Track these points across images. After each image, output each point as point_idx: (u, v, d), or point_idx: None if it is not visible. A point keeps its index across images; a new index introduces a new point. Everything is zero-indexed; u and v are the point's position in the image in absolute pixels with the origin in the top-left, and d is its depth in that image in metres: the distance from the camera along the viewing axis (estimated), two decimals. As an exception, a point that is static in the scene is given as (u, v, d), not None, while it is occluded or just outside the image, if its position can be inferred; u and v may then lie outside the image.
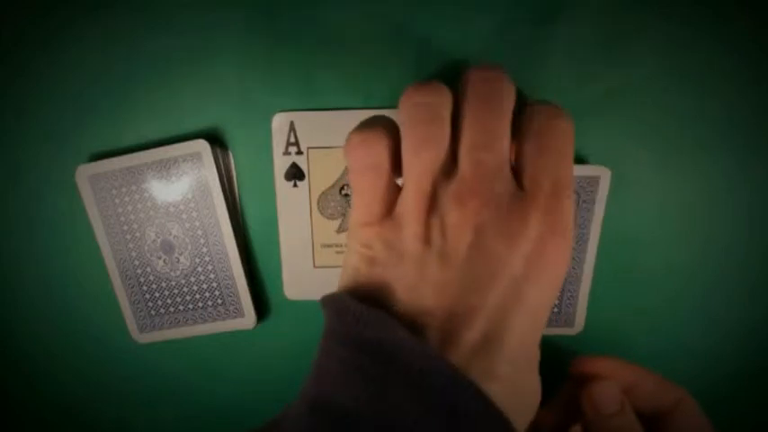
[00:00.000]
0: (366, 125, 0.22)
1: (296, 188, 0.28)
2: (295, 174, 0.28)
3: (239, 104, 0.28)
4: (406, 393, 0.17)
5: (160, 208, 0.28)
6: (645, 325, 0.30)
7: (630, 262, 0.29)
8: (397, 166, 0.21)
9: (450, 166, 0.20)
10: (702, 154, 0.27)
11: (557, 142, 0.20)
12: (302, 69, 0.27)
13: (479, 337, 0.19)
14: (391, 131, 0.21)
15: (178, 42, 0.27)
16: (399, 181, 0.22)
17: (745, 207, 0.28)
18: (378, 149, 0.21)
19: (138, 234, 0.29)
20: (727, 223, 0.28)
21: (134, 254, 0.29)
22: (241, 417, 0.33)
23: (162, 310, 0.30)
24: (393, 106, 0.26)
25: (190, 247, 0.29)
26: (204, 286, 0.29)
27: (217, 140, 0.28)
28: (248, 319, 0.30)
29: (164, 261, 0.29)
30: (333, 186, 0.28)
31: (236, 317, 0.30)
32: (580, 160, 0.27)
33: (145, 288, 0.30)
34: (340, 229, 0.29)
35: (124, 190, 0.28)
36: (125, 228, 0.29)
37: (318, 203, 0.28)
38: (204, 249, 0.29)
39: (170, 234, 0.29)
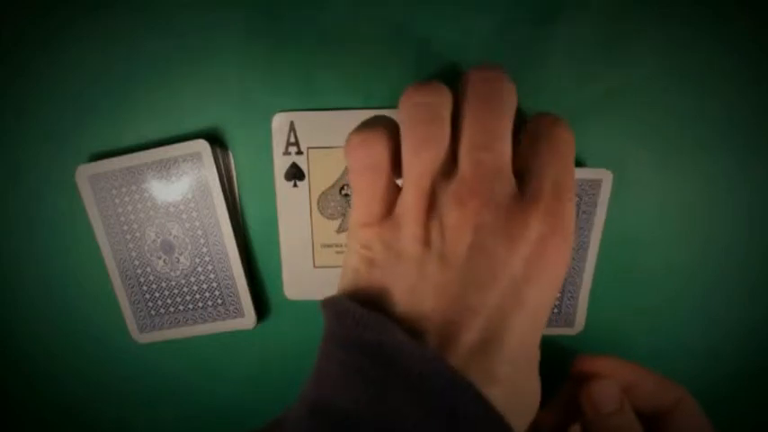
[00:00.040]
0: (366, 125, 0.22)
1: (296, 188, 0.28)
2: (295, 174, 0.28)
3: (239, 104, 0.28)
4: (406, 396, 0.17)
5: (160, 208, 0.28)
6: (645, 325, 0.30)
7: (630, 262, 0.29)
8: (397, 167, 0.21)
9: (450, 166, 0.20)
10: (702, 154, 0.27)
11: (559, 147, 0.20)
12: (302, 69, 0.27)
13: (479, 339, 0.19)
14: (392, 132, 0.21)
15: (178, 42, 0.27)
16: (400, 182, 0.22)
17: (745, 207, 0.28)
18: (377, 150, 0.21)
19: (138, 234, 0.29)
20: (727, 223, 0.28)
21: (134, 254, 0.29)
22: (241, 417, 0.33)
23: (162, 310, 0.30)
24: (393, 106, 0.26)
25: (190, 247, 0.29)
26: (204, 286, 0.29)
27: (217, 140, 0.28)
28: (248, 319, 0.30)
29: (164, 261, 0.29)
30: (333, 186, 0.28)
31: (236, 317, 0.30)
32: (580, 161, 0.27)
33: (145, 288, 0.30)
34: (340, 229, 0.29)
35: (124, 190, 0.28)
36: (125, 228, 0.29)
37: (318, 203, 0.28)
38: (204, 249, 0.29)
39: (170, 234, 0.29)
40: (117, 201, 0.28)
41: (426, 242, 0.20)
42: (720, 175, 0.27)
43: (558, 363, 0.27)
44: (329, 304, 0.20)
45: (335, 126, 0.27)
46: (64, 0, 0.27)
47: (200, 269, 0.29)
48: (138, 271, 0.29)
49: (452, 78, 0.23)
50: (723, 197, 0.28)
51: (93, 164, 0.28)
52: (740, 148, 0.27)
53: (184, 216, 0.28)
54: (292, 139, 0.27)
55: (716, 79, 0.26)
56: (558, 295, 0.29)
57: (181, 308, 0.30)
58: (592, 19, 0.25)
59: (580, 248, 0.28)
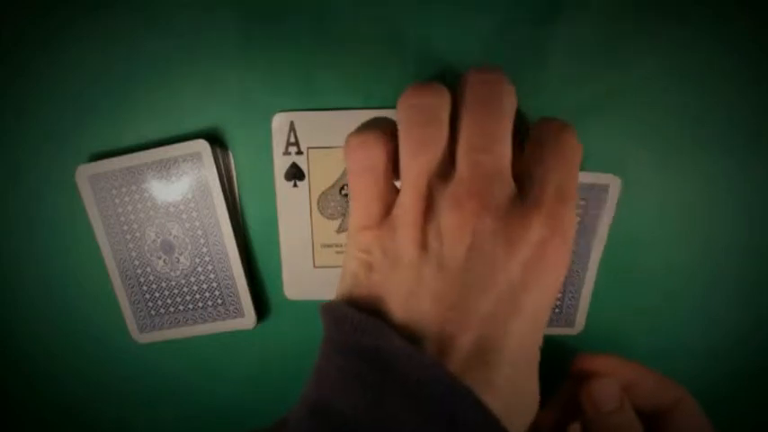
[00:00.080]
0: (365, 127, 0.21)
1: (296, 188, 0.28)
2: (295, 174, 0.28)
3: (239, 104, 0.28)
4: (404, 402, 0.17)
5: (160, 208, 0.28)
6: (645, 325, 0.30)
7: (631, 262, 0.29)
8: (396, 169, 0.21)
9: (448, 169, 0.20)
10: (702, 154, 0.27)
11: (566, 153, 0.20)
12: (302, 69, 0.27)
13: (477, 345, 0.18)
14: (391, 133, 0.21)
15: (178, 42, 0.27)
16: (399, 184, 0.22)
17: (746, 207, 0.28)
18: (376, 152, 0.21)
19: (138, 234, 0.29)
20: (727, 223, 0.28)
21: (134, 254, 0.29)
22: (241, 417, 0.33)
23: (162, 310, 0.30)
24: (393, 106, 0.25)
25: (190, 247, 0.29)
26: (204, 286, 0.29)
27: (217, 140, 0.28)
28: (248, 319, 0.30)
29: (164, 261, 0.29)
30: (333, 186, 0.28)
31: (236, 317, 0.30)
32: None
33: (145, 288, 0.30)
34: (340, 229, 0.29)
35: (124, 190, 0.28)
36: (125, 228, 0.29)
37: (318, 203, 0.28)
38: (204, 249, 0.29)
39: (170, 234, 0.29)
40: (117, 201, 0.28)
41: (424, 246, 0.19)
42: (720, 175, 0.27)
43: (558, 362, 0.27)
44: (328, 310, 0.20)
45: (335, 126, 0.27)
46: (64, 0, 0.27)
47: (200, 269, 0.29)
48: (138, 271, 0.29)
49: (452, 79, 0.23)
50: (723, 197, 0.28)
51: (93, 164, 0.28)
52: (740, 148, 0.27)
53: (184, 216, 0.28)
54: (292, 139, 0.27)
55: (716, 79, 0.26)
56: (560, 295, 0.29)
57: (181, 308, 0.30)
58: (592, 19, 0.25)
59: (584, 251, 0.28)
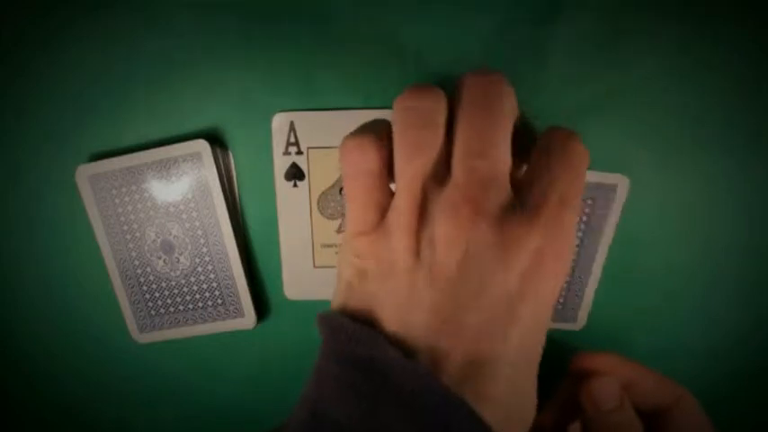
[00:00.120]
0: (360, 130, 0.21)
1: (296, 188, 0.28)
2: (295, 174, 0.28)
3: (239, 104, 0.28)
4: (398, 412, 0.17)
5: (160, 208, 0.28)
6: (645, 324, 0.30)
7: (631, 261, 0.29)
8: (393, 172, 0.21)
9: (444, 173, 0.20)
10: (702, 154, 0.27)
11: (572, 161, 0.20)
12: (302, 69, 0.27)
13: (473, 356, 0.18)
14: (387, 136, 0.21)
15: (178, 43, 0.27)
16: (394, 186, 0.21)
17: (746, 207, 0.28)
18: (372, 155, 0.20)
19: (138, 234, 0.29)
20: (727, 223, 0.28)
21: (134, 254, 0.29)
22: (241, 417, 0.33)
23: (162, 310, 0.30)
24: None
25: (190, 247, 0.29)
26: (204, 286, 0.29)
27: (217, 140, 0.28)
28: (248, 319, 0.30)
29: (164, 261, 0.29)
30: (333, 186, 0.28)
31: (236, 317, 0.30)
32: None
33: (145, 288, 0.30)
34: (340, 229, 0.29)
35: (124, 190, 0.28)
36: (125, 228, 0.29)
37: (318, 203, 0.28)
38: (204, 249, 0.29)
39: (170, 234, 0.29)
40: (117, 201, 0.28)
41: (417, 254, 0.19)
42: (720, 175, 0.27)
43: (557, 360, 0.27)
44: (324, 320, 0.20)
45: (335, 126, 0.27)
46: (64, 0, 0.27)
47: (200, 269, 0.29)
48: (138, 271, 0.29)
49: (452, 80, 0.23)
50: (723, 197, 0.28)
51: (93, 164, 0.28)
52: (740, 148, 0.27)
53: (184, 216, 0.28)
54: (292, 139, 0.27)
55: (716, 79, 0.26)
56: (564, 292, 0.29)
57: (181, 308, 0.30)
58: (592, 19, 0.25)
59: (590, 249, 0.28)
